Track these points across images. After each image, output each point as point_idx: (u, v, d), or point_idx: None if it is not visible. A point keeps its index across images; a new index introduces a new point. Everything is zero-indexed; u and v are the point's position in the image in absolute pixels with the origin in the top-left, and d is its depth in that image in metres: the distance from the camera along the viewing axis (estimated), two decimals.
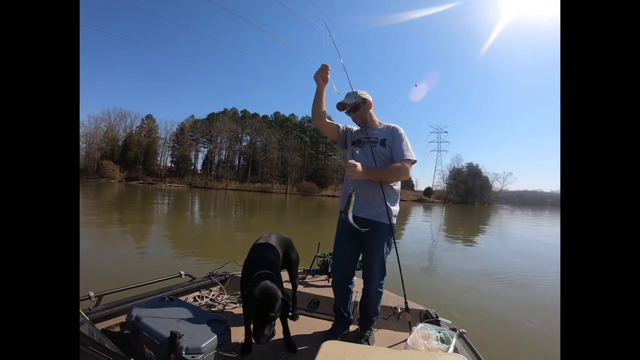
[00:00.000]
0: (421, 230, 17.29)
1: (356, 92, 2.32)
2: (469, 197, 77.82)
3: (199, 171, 72.91)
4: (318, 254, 3.42)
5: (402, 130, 2.31)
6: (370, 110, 2.39)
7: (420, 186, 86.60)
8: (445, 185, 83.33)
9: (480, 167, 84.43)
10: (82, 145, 67.55)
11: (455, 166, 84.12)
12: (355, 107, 2.33)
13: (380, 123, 2.41)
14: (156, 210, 19.01)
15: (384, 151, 2.25)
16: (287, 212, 23.54)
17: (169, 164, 71.95)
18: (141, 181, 60.76)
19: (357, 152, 2.26)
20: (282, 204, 32.41)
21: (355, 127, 2.46)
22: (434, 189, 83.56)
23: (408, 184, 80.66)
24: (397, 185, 2.32)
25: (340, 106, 2.38)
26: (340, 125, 2.44)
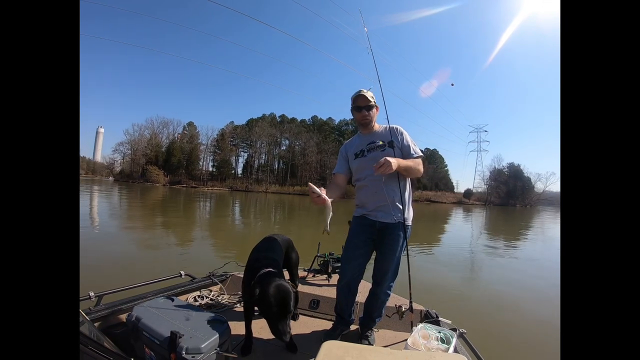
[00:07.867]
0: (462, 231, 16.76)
1: (371, 93, 2.30)
2: (510, 199, 74.21)
3: (240, 175, 75.22)
4: (318, 254, 3.38)
5: (402, 128, 2.30)
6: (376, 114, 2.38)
7: (460, 188, 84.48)
8: (485, 186, 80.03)
9: (521, 167, 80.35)
10: (127, 151, 72.70)
11: (496, 167, 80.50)
12: (371, 107, 2.29)
13: (379, 126, 2.38)
14: (199, 210, 20.26)
15: (395, 153, 2.21)
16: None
17: (210, 169, 75.07)
18: (184, 185, 63.77)
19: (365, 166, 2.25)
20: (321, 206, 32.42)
21: (351, 139, 2.47)
22: (474, 190, 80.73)
23: (447, 186, 78.66)
24: (410, 186, 2.31)
25: (361, 99, 2.28)
26: (344, 164, 2.42)
